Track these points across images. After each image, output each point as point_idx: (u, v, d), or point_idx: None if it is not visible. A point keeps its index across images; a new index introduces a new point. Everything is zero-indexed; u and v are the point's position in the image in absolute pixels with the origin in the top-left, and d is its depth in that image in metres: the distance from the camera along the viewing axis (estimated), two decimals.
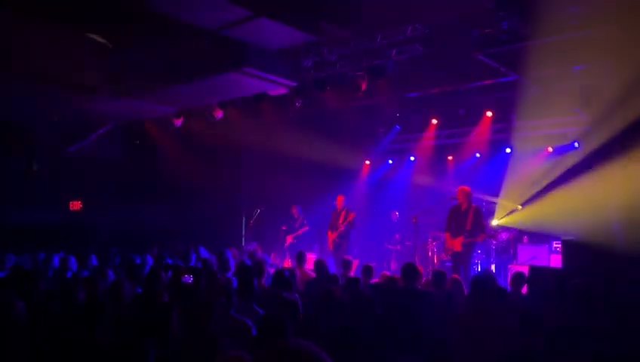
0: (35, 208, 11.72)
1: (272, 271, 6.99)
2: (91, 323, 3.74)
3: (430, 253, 10.87)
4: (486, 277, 4.83)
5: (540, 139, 10.35)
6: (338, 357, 3.27)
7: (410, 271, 5.55)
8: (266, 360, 3.20)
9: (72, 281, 6.01)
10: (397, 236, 11.66)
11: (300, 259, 7.62)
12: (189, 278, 5.36)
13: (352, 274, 7.20)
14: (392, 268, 10.94)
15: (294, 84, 8.83)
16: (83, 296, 4.56)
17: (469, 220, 8.21)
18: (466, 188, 8.54)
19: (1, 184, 11.58)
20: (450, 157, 12.13)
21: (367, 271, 6.52)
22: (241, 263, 7.13)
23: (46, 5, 6.32)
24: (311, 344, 3.18)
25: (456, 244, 8.28)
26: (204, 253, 7.98)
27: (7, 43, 7.10)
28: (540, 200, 10.07)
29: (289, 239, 11.25)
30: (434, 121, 11.33)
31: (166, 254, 8.13)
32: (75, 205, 12.94)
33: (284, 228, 11.38)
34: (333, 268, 8.39)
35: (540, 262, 8.99)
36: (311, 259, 8.95)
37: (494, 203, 10.85)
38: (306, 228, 11.19)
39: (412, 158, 12.63)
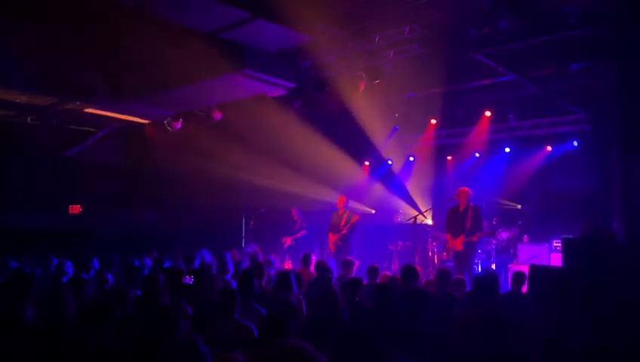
0: (35, 212, 11.71)
1: (272, 272, 7.01)
2: (93, 327, 3.74)
3: (430, 253, 10.87)
4: (488, 277, 4.85)
5: (539, 138, 10.36)
6: (340, 357, 3.27)
7: (409, 271, 5.74)
8: (266, 360, 3.21)
9: (68, 285, 5.99)
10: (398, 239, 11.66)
11: (306, 261, 7.64)
12: (189, 279, 5.38)
13: (352, 275, 7.20)
14: (393, 269, 10.94)
15: (293, 85, 8.84)
16: (84, 299, 4.55)
17: (469, 219, 8.37)
18: (466, 188, 8.63)
19: (0, 188, 11.57)
20: (449, 157, 12.14)
21: (373, 272, 6.56)
22: (237, 264, 7.16)
23: (43, 8, 6.32)
24: (310, 345, 3.18)
25: (458, 244, 8.40)
26: (206, 255, 7.98)
27: (7, 45, 7.10)
28: None
29: (288, 241, 11.24)
30: (433, 122, 11.35)
31: (166, 257, 8.12)
32: (75, 209, 12.91)
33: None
34: (334, 270, 8.39)
35: (541, 261, 8.98)
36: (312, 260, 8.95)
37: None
38: (304, 232, 11.16)
39: (411, 159, 12.64)
